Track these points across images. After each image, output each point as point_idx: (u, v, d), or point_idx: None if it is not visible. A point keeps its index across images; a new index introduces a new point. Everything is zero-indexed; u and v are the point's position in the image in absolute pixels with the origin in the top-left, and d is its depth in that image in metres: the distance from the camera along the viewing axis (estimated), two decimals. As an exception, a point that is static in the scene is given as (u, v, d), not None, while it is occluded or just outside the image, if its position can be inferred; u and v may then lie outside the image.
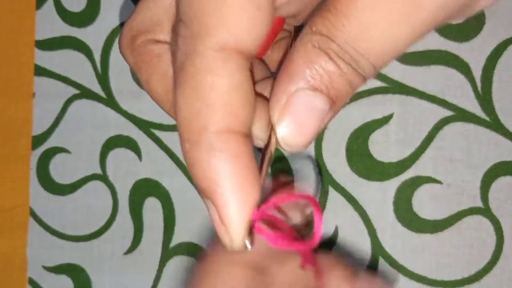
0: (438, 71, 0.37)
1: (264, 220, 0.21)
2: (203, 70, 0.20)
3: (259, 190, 0.21)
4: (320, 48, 0.19)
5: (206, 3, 0.19)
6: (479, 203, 0.37)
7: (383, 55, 0.20)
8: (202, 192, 0.20)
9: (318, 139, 0.39)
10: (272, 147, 0.22)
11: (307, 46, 0.20)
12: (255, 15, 0.20)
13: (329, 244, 0.38)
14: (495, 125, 0.36)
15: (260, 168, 0.22)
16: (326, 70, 0.20)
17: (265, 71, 0.27)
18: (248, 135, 0.21)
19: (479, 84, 0.37)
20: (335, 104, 0.20)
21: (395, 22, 0.19)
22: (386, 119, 0.38)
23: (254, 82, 0.22)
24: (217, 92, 0.20)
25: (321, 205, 0.39)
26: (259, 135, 0.24)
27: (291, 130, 0.20)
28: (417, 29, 0.19)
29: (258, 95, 0.24)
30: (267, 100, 0.23)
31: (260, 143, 0.24)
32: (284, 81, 0.20)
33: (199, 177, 0.20)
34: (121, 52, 0.25)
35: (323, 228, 0.39)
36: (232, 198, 0.20)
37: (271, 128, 0.21)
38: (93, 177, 0.43)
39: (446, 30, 0.37)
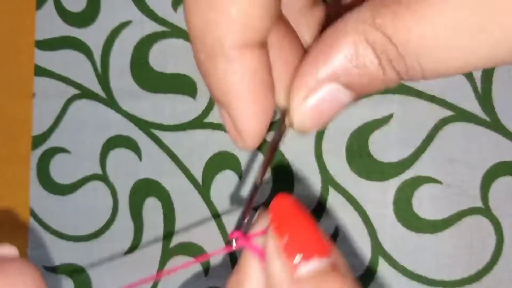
0: (438, 71, 0.37)
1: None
2: None
3: (273, 103, 0.20)
4: (373, 48, 0.17)
5: None
6: (479, 203, 0.37)
7: (441, 72, 0.18)
8: (217, 101, 0.20)
9: (318, 139, 0.39)
10: (286, 125, 0.21)
11: (359, 37, 0.17)
12: None
13: (329, 244, 0.38)
14: (495, 125, 0.36)
15: (270, 149, 0.22)
16: (369, 73, 0.18)
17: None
18: (265, 46, 0.20)
19: (479, 84, 0.37)
20: (358, 98, 0.19)
21: (470, 38, 0.16)
22: (386, 119, 0.38)
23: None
24: (235, 1, 0.18)
25: (321, 205, 0.39)
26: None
27: (309, 117, 0.19)
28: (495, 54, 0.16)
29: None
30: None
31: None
32: (319, 62, 0.18)
33: (215, 88, 0.20)
34: None
35: (323, 227, 0.39)
36: (248, 110, 0.20)
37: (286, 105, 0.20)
38: (93, 177, 0.43)
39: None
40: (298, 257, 0.18)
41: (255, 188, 0.22)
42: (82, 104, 0.43)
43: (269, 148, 0.22)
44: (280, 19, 0.22)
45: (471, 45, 0.16)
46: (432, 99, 0.37)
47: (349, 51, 0.18)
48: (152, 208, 0.41)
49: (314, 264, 0.19)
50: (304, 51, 0.22)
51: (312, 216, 0.20)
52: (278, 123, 0.21)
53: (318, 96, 0.19)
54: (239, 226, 0.22)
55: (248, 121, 0.20)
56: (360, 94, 0.19)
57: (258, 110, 0.20)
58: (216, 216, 0.40)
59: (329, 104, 0.19)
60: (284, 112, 0.21)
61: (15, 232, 0.44)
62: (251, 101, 0.20)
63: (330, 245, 0.20)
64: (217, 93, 0.20)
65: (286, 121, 0.21)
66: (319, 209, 0.39)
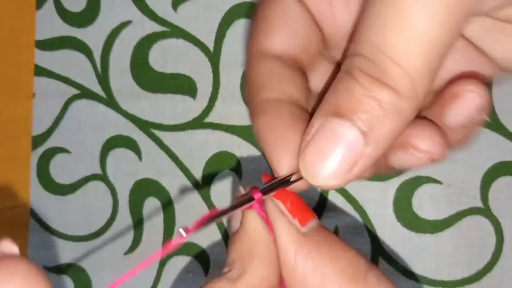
0: (438, 71, 0.37)
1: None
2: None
3: (297, 141, 0.21)
4: (345, 70, 0.19)
5: None
6: (479, 203, 0.37)
7: (410, 54, 0.18)
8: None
9: (318, 139, 0.39)
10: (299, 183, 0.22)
11: (339, 73, 0.19)
12: None
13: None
14: (495, 125, 0.36)
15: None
16: (351, 93, 0.18)
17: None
18: (300, 106, 0.22)
19: (479, 84, 0.37)
20: (370, 134, 0.18)
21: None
22: (386, 119, 0.38)
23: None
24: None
25: (321, 205, 0.39)
26: None
27: (313, 160, 0.19)
28: (449, 26, 0.17)
29: None
30: None
31: None
32: (316, 113, 0.20)
33: (257, 132, 0.22)
34: None
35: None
36: (274, 151, 0.21)
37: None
38: (93, 177, 0.43)
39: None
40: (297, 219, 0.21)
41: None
42: (82, 104, 0.43)
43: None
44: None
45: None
46: (432, 99, 0.37)
47: (332, 88, 0.19)
48: (152, 208, 0.41)
49: (312, 223, 0.21)
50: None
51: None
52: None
53: (317, 136, 0.19)
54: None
55: (275, 162, 0.22)
56: (361, 122, 0.18)
57: (280, 152, 0.22)
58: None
59: (331, 141, 0.19)
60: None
61: (15, 232, 0.44)
62: (275, 143, 0.22)
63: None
64: (257, 137, 0.23)
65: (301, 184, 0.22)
66: (319, 209, 0.39)
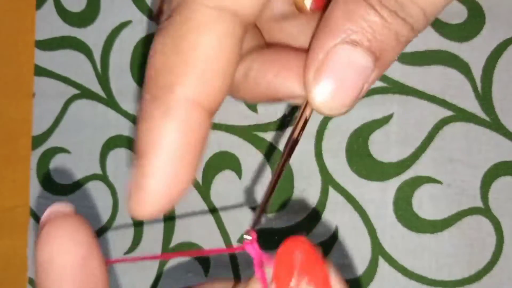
0: (438, 71, 0.37)
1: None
2: (191, 25, 0.17)
3: (190, 180, 0.19)
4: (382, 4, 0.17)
5: None
6: (479, 203, 0.37)
7: (434, 2, 0.17)
8: (136, 150, 0.19)
9: (318, 139, 0.39)
10: (307, 113, 0.19)
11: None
12: None
13: (329, 244, 0.38)
14: (495, 125, 0.36)
15: (293, 138, 0.20)
16: (367, 21, 0.17)
17: (259, 40, 0.23)
18: (213, 113, 0.19)
19: (479, 84, 0.37)
20: (380, 61, 0.18)
21: None
22: (386, 119, 0.38)
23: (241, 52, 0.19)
24: (198, 54, 0.17)
25: (321, 205, 0.39)
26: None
27: (330, 91, 0.18)
28: None
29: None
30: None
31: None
32: (322, 36, 0.18)
33: (142, 133, 0.18)
34: None
35: (323, 228, 0.39)
36: (162, 170, 0.18)
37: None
38: (93, 177, 0.43)
39: (446, 30, 0.37)
40: None
41: (273, 186, 0.21)
42: (82, 104, 0.43)
43: (289, 141, 0.20)
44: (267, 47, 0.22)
45: None
46: (432, 99, 0.37)
47: (343, 11, 0.18)
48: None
49: None
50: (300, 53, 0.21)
51: (323, 258, 0.19)
52: (298, 114, 0.20)
53: (332, 67, 0.18)
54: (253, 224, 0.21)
55: (157, 181, 0.18)
56: (376, 50, 0.18)
57: (173, 176, 0.18)
58: (216, 216, 0.40)
59: (348, 71, 0.18)
60: (305, 103, 0.19)
61: (15, 232, 0.44)
62: (171, 163, 0.18)
63: None
64: (140, 141, 0.18)
65: (307, 111, 0.19)
66: (319, 209, 0.39)
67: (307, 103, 0.19)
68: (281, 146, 0.39)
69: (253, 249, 0.19)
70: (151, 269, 0.41)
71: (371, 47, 0.18)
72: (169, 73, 0.18)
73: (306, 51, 0.19)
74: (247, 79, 0.21)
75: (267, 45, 0.23)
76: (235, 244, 0.39)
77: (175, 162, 0.18)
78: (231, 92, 0.22)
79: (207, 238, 0.41)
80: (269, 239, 0.41)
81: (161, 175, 0.18)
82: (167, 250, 0.41)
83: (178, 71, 0.17)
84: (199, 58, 0.17)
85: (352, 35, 0.18)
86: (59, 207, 0.18)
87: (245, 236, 0.20)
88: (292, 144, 0.20)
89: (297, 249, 0.18)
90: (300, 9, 0.21)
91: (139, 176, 0.18)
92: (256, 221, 0.20)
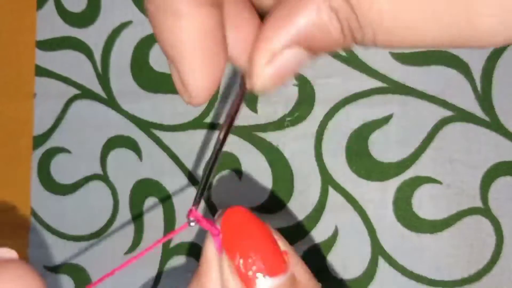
0: (438, 71, 0.37)
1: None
2: None
3: (224, 63, 0.20)
4: (337, 14, 0.18)
5: None
6: (479, 203, 0.37)
7: (392, 45, 0.18)
8: (167, 57, 0.20)
9: (318, 139, 0.39)
10: (245, 88, 0.21)
11: (324, 2, 0.18)
12: None
13: (329, 244, 0.38)
14: (495, 125, 0.36)
15: (235, 106, 0.21)
16: (330, 38, 0.18)
17: None
18: (218, 6, 0.20)
19: (479, 84, 0.37)
20: (317, 56, 0.19)
21: (432, 17, 0.17)
22: (386, 119, 0.38)
23: None
24: None
25: (321, 205, 0.39)
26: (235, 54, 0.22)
27: (271, 80, 0.19)
28: (447, 37, 0.17)
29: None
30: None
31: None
32: (283, 26, 0.18)
33: (163, 41, 0.20)
34: None
35: (323, 228, 0.39)
36: (195, 67, 0.20)
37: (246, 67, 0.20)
38: (94, 177, 0.43)
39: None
40: (252, 275, 0.18)
41: (214, 159, 0.22)
42: (83, 104, 0.43)
43: (229, 113, 0.21)
44: None
45: (423, 26, 0.17)
46: (432, 99, 0.37)
47: (313, 15, 0.18)
48: (152, 208, 0.42)
49: (270, 283, 0.18)
50: (260, 18, 0.22)
51: (267, 228, 0.19)
52: (237, 87, 0.21)
53: (282, 61, 0.19)
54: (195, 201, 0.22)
55: (195, 78, 0.20)
56: (317, 56, 0.19)
57: (206, 68, 0.20)
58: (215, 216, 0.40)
59: (291, 67, 0.19)
60: (244, 75, 0.20)
61: (16, 232, 0.44)
62: (200, 58, 0.19)
63: (289, 257, 0.19)
64: (165, 46, 0.20)
65: (246, 83, 0.20)
66: (319, 209, 0.39)
67: (245, 77, 0.20)
68: (281, 146, 0.39)
69: (198, 220, 0.21)
70: (151, 269, 0.41)
71: (317, 52, 0.19)
72: None
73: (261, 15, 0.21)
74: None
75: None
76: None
77: (204, 57, 0.19)
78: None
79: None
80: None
81: (196, 72, 0.20)
82: (167, 250, 0.41)
83: None
84: None
85: (306, 41, 0.18)
86: (3, 252, 0.18)
87: (190, 209, 0.21)
88: (231, 118, 0.21)
89: (238, 216, 0.20)
90: None
91: (179, 78, 0.20)
92: (199, 197, 0.21)
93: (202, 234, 0.41)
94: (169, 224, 0.41)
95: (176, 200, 0.41)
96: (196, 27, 0.19)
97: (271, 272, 0.18)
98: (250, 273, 0.18)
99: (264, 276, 0.18)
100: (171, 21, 0.19)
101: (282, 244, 0.19)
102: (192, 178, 0.41)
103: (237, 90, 0.21)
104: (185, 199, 0.41)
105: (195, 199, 0.21)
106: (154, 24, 0.20)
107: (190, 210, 0.20)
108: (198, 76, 0.20)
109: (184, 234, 0.41)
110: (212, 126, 0.41)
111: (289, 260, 0.19)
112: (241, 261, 0.18)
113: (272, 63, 0.19)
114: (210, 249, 0.20)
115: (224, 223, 0.20)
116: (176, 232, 0.21)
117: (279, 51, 0.19)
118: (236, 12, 0.21)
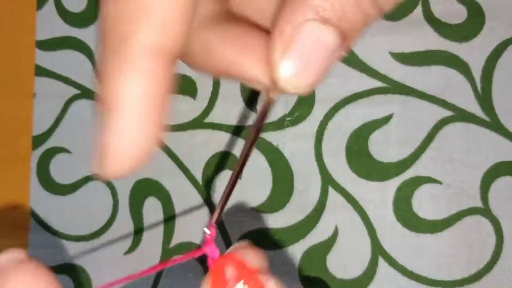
0: (438, 71, 0.37)
1: None
2: None
3: (159, 125, 0.18)
4: None
5: None
6: (479, 203, 0.37)
7: None
8: (99, 107, 0.17)
9: (318, 139, 0.39)
10: (275, 92, 0.19)
11: None
12: None
13: (329, 244, 0.38)
14: (495, 125, 0.36)
15: (258, 125, 0.20)
16: (339, 1, 0.17)
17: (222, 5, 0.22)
18: (174, 60, 0.17)
19: (479, 84, 0.37)
20: (347, 40, 0.18)
21: None
22: (386, 119, 0.38)
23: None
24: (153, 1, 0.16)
25: (321, 205, 0.39)
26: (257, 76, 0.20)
27: (296, 68, 0.17)
28: None
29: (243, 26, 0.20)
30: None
31: (257, 86, 0.20)
32: (289, 10, 0.17)
33: (105, 88, 0.17)
34: None
35: (323, 228, 0.39)
36: (128, 126, 0.17)
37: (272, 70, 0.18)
38: (93, 177, 0.43)
39: (446, 30, 0.37)
40: None
41: (236, 175, 0.21)
42: (83, 104, 0.43)
43: (255, 126, 0.20)
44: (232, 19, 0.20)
45: None
46: (432, 99, 0.37)
47: None
48: (152, 208, 0.42)
49: None
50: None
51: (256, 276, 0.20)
52: (263, 98, 0.19)
53: (300, 44, 0.17)
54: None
55: (123, 138, 0.17)
56: (344, 29, 0.17)
57: (140, 131, 0.17)
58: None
59: (316, 50, 0.17)
60: (268, 87, 0.19)
61: (15, 232, 0.44)
62: (140, 114, 0.17)
63: None
64: (105, 96, 0.17)
65: (272, 94, 0.19)
66: (319, 209, 0.39)
67: (269, 88, 0.19)
68: (281, 146, 0.39)
69: (211, 250, 0.20)
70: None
71: (340, 26, 0.17)
72: (124, 22, 0.16)
73: (270, 32, 0.18)
74: (205, 51, 0.20)
75: (231, 16, 0.21)
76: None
77: (140, 115, 0.17)
78: (188, 60, 0.21)
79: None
80: (269, 239, 0.41)
81: (127, 131, 0.17)
82: (167, 250, 0.41)
83: (134, 19, 0.16)
84: (161, 7, 0.16)
85: (322, 12, 0.17)
86: (14, 254, 0.18)
87: (205, 230, 0.20)
88: (257, 131, 0.20)
89: (229, 264, 0.19)
90: None
91: (104, 134, 0.17)
92: (218, 217, 0.20)
93: (202, 234, 0.41)
94: (169, 224, 0.41)
95: (176, 200, 0.41)
96: (148, 81, 0.17)
97: None
98: None
99: None
100: (121, 71, 0.17)
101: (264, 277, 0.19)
102: (192, 178, 0.41)
103: (262, 102, 0.20)
104: (185, 199, 0.41)
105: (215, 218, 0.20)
106: (101, 67, 0.17)
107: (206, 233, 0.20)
108: (128, 138, 0.17)
109: (184, 234, 0.41)
110: (212, 126, 0.41)
111: None
112: None
113: (290, 47, 0.17)
114: None
115: (215, 271, 0.20)
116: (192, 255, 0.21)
117: (294, 32, 0.17)
118: (242, 32, 0.20)
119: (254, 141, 0.20)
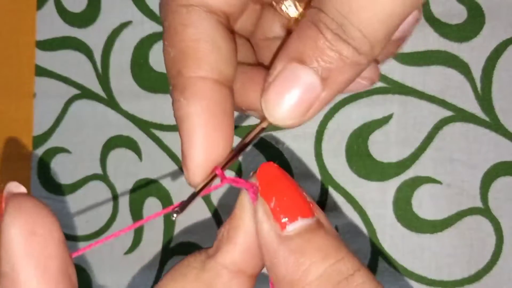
0: (438, 71, 0.37)
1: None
2: (175, 23, 0.21)
3: (227, 141, 0.22)
4: (312, 21, 0.20)
5: None
6: (479, 203, 0.37)
7: (374, 27, 0.19)
8: (179, 130, 0.22)
9: (318, 139, 0.39)
10: (264, 124, 0.22)
11: (303, 21, 0.20)
12: None
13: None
14: (495, 125, 0.36)
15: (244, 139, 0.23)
16: (315, 42, 0.20)
17: (252, 58, 0.27)
18: (226, 86, 0.22)
19: (479, 84, 0.37)
20: (329, 80, 0.20)
21: None
22: (386, 119, 0.38)
23: (232, 35, 0.23)
24: (187, 40, 0.21)
25: (321, 205, 0.39)
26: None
27: (278, 103, 0.20)
28: (408, 4, 0.19)
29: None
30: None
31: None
32: (279, 56, 0.21)
33: (174, 115, 0.21)
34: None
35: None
36: (195, 138, 0.21)
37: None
38: (94, 177, 0.43)
39: (446, 30, 0.37)
40: (284, 218, 0.20)
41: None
42: (83, 104, 0.43)
43: (242, 143, 0.23)
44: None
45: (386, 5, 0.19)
46: (432, 99, 0.37)
47: (298, 34, 0.20)
48: (152, 208, 0.42)
49: (300, 223, 0.20)
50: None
51: (294, 181, 0.22)
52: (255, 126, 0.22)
53: (278, 79, 0.20)
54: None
55: (191, 150, 0.21)
56: (322, 70, 0.20)
57: (206, 148, 0.21)
58: (216, 216, 0.40)
59: (290, 84, 0.20)
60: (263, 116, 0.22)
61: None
62: (201, 137, 0.21)
63: (314, 206, 0.21)
64: (176, 120, 0.22)
65: (263, 124, 0.22)
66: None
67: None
68: (281, 146, 0.39)
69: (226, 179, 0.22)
70: (151, 269, 0.41)
71: (317, 66, 0.20)
72: (173, 64, 0.21)
73: None
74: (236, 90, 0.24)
75: (259, 64, 0.26)
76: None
77: (206, 133, 0.21)
78: None
79: (207, 238, 0.41)
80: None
81: (199, 147, 0.21)
82: (167, 250, 0.41)
83: (178, 61, 0.21)
84: (189, 45, 0.21)
85: (301, 55, 0.20)
86: (13, 187, 0.20)
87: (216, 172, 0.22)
88: (242, 147, 0.23)
89: (273, 169, 0.22)
90: (285, 16, 0.23)
91: (184, 152, 0.21)
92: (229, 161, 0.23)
93: (202, 234, 0.41)
94: (169, 224, 0.41)
95: (175, 200, 0.41)
96: (202, 102, 0.21)
97: (302, 214, 0.20)
98: (283, 216, 0.20)
99: (295, 218, 0.20)
100: (179, 97, 0.21)
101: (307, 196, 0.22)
102: (192, 178, 0.41)
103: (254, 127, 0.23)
104: (185, 199, 0.41)
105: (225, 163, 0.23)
106: (172, 102, 0.22)
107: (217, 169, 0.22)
108: (198, 155, 0.21)
109: (184, 234, 0.41)
110: (212, 126, 0.41)
111: (314, 207, 0.21)
112: (276, 204, 0.21)
113: (272, 83, 0.20)
114: (245, 198, 0.22)
115: (261, 173, 0.22)
116: (210, 190, 0.22)
117: (279, 70, 0.20)
118: (249, 67, 0.24)
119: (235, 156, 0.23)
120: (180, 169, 0.41)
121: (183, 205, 0.22)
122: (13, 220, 0.18)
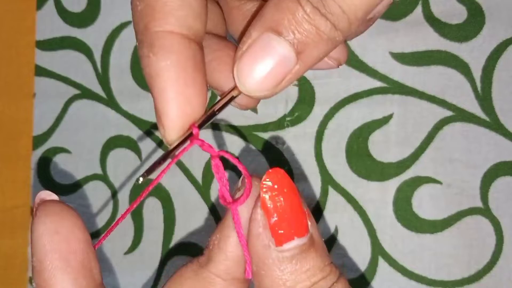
0: (438, 71, 0.37)
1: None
2: None
3: (201, 97, 0.21)
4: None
5: None
6: (479, 203, 0.36)
7: (354, 4, 0.19)
8: (148, 85, 0.21)
9: (318, 139, 0.39)
10: (234, 90, 0.21)
11: None
12: None
13: (330, 244, 0.38)
14: (495, 125, 0.36)
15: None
16: (292, 14, 0.19)
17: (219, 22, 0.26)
18: (195, 42, 0.21)
19: (479, 84, 0.37)
20: (303, 54, 0.20)
21: None
22: (386, 119, 0.38)
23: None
24: None
25: (321, 205, 0.39)
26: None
27: (251, 73, 0.20)
28: None
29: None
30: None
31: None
32: (253, 24, 0.20)
33: (144, 72, 0.21)
34: None
35: (323, 228, 0.39)
36: (167, 94, 0.20)
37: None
38: (94, 177, 0.43)
39: (446, 30, 0.37)
40: (281, 234, 0.20)
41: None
42: (82, 104, 0.43)
43: (211, 110, 0.22)
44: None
45: None
46: (432, 99, 0.37)
47: (275, 4, 0.20)
48: (152, 208, 0.42)
49: (295, 243, 0.20)
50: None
51: (298, 191, 0.22)
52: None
53: (252, 48, 0.20)
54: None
55: (165, 105, 0.20)
56: (297, 42, 0.20)
57: (180, 105, 0.20)
58: (216, 216, 0.40)
59: (264, 53, 0.20)
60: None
61: (16, 232, 0.44)
62: (174, 94, 0.20)
63: (309, 217, 0.21)
64: (145, 77, 0.21)
65: (234, 92, 0.21)
66: (319, 209, 0.39)
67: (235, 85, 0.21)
68: (281, 146, 0.39)
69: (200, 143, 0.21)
70: (151, 269, 0.41)
71: (293, 39, 0.20)
72: (142, 18, 0.21)
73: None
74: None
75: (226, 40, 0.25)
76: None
77: (179, 88, 0.20)
78: None
79: (207, 238, 0.41)
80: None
81: (173, 103, 0.20)
82: (167, 250, 0.41)
83: (146, 15, 0.21)
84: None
85: (277, 26, 0.20)
86: (45, 194, 0.21)
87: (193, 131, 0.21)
88: (211, 114, 0.22)
89: (279, 178, 0.22)
90: None
91: (159, 110, 0.21)
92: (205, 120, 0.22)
93: (201, 234, 0.41)
94: (169, 224, 0.41)
95: (176, 200, 0.41)
96: (172, 57, 0.20)
97: (298, 233, 0.20)
98: (281, 231, 0.20)
99: (291, 236, 0.20)
100: (147, 52, 0.20)
101: (303, 205, 0.22)
102: (192, 178, 0.41)
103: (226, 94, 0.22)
104: (185, 199, 0.41)
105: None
106: (139, 58, 0.21)
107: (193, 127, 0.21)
108: (172, 111, 0.20)
109: (184, 234, 0.41)
110: (213, 126, 0.41)
111: (308, 221, 0.21)
112: (277, 221, 0.20)
113: (245, 52, 0.20)
114: (235, 209, 0.22)
115: (266, 184, 0.22)
116: (182, 152, 0.22)
117: (257, 36, 0.20)
118: (216, 42, 0.23)
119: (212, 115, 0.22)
120: (180, 169, 0.41)
121: (151, 167, 0.21)
122: (40, 222, 0.20)
